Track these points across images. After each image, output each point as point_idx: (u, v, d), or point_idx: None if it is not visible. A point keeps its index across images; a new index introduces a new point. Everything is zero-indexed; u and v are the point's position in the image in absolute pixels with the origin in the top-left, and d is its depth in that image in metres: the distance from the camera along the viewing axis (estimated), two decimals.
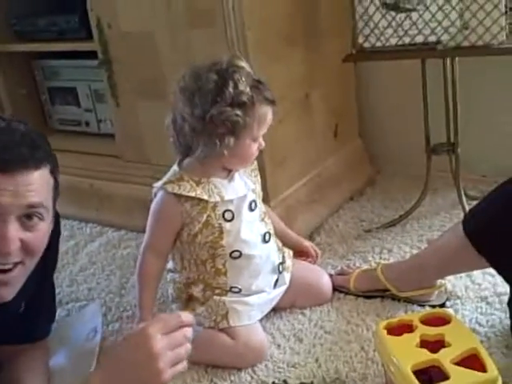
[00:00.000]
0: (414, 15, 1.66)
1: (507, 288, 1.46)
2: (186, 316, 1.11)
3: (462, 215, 1.85)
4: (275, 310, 1.60)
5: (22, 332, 1.39)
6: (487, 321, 1.48)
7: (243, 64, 1.42)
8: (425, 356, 1.16)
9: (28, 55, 2.40)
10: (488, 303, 1.54)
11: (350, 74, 2.25)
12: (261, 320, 1.54)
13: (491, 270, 1.47)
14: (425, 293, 1.56)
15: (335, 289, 1.66)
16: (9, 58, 2.37)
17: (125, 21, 1.91)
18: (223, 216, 1.45)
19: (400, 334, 1.23)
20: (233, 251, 1.47)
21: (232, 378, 1.42)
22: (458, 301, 1.57)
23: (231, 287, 1.50)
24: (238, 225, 1.47)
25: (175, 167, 1.49)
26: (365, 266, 1.74)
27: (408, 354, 1.17)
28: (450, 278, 1.62)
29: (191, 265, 1.50)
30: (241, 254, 1.48)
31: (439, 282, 1.58)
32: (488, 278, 1.62)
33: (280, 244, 1.63)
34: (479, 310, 1.52)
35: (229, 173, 1.49)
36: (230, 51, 1.66)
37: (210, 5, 1.70)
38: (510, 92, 2.05)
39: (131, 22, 1.90)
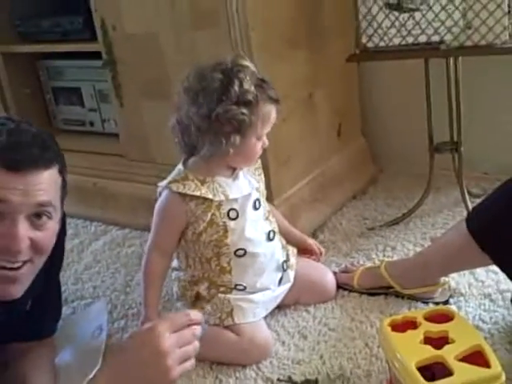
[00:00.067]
0: (417, 15, 1.67)
1: (510, 285, 1.48)
2: (195, 314, 1.12)
3: (464, 213, 1.86)
4: (280, 307, 1.61)
5: (29, 330, 1.40)
6: (490, 317, 1.48)
7: (247, 63, 1.43)
8: (429, 352, 1.17)
9: (32, 56, 2.41)
10: (491, 300, 1.55)
11: (353, 74, 2.26)
12: (265, 317, 1.55)
13: (494, 268, 1.49)
14: (428, 290, 1.57)
15: (339, 286, 1.67)
16: (13, 58, 2.38)
17: (129, 22, 1.92)
18: (228, 215, 1.46)
19: (404, 331, 1.23)
20: (237, 249, 1.48)
21: (237, 374, 1.43)
22: (462, 298, 1.58)
23: (236, 285, 1.50)
24: (242, 223, 1.47)
25: (180, 166, 1.50)
26: (368, 264, 1.75)
27: (412, 350, 1.17)
28: (454, 275, 1.63)
29: (196, 263, 1.51)
30: (245, 252, 1.49)
31: (443, 279, 1.59)
32: (491, 276, 1.63)
33: (284, 242, 1.64)
34: (482, 306, 1.53)
35: (233, 171, 1.50)
36: (234, 52, 1.67)
37: (213, 6, 1.71)
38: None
39: (135, 23, 1.91)
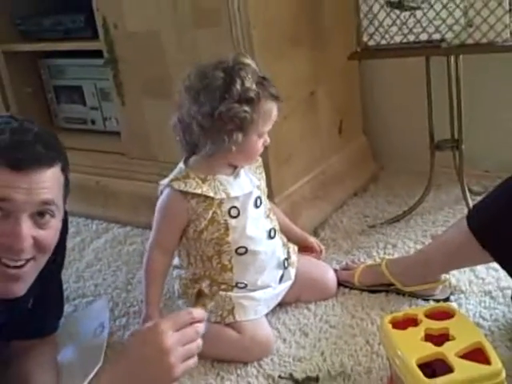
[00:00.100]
0: (419, 13, 1.67)
1: (510, 282, 1.48)
2: (198, 312, 1.12)
3: (465, 210, 1.86)
4: (281, 304, 1.61)
5: (31, 327, 1.41)
6: (491, 315, 1.49)
7: (249, 61, 1.44)
8: (429, 349, 1.17)
9: (34, 54, 2.42)
10: (492, 297, 1.55)
11: (354, 72, 2.26)
12: (266, 315, 1.55)
13: (495, 265, 1.49)
14: (429, 287, 1.57)
15: (340, 284, 1.68)
16: (15, 57, 2.39)
17: (131, 20, 1.92)
18: (229, 213, 1.46)
19: (405, 328, 1.24)
20: (238, 247, 1.49)
21: (238, 371, 1.43)
22: (462, 295, 1.58)
23: (237, 283, 1.51)
24: (243, 221, 1.48)
25: (181, 165, 1.51)
26: (369, 261, 1.76)
27: (413, 347, 1.18)
28: (454, 272, 1.64)
29: (197, 261, 1.52)
30: (246, 250, 1.49)
31: (443, 276, 1.59)
32: (492, 273, 1.63)
33: (285, 240, 1.64)
34: (483, 304, 1.54)
35: (234, 170, 1.51)
36: (236, 50, 1.68)
37: (215, 4, 1.71)
38: None
39: (137, 21, 1.92)
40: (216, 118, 1.38)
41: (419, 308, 1.45)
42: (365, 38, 1.75)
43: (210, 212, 1.45)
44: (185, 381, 1.40)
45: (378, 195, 2.21)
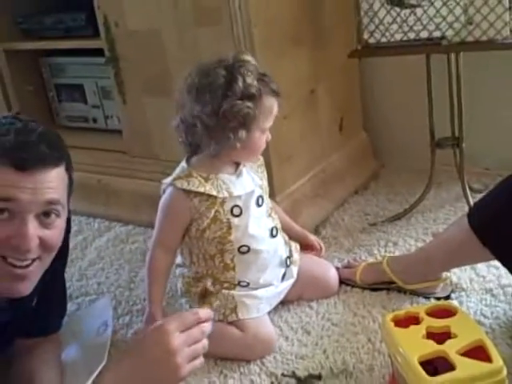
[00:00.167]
0: (419, 11, 1.68)
1: (511, 280, 1.48)
2: (204, 312, 1.13)
3: (466, 208, 1.87)
4: (283, 302, 1.62)
5: (35, 326, 1.41)
6: (492, 312, 1.50)
7: (249, 58, 1.45)
8: (431, 347, 1.18)
9: (35, 52, 2.42)
10: (493, 295, 1.56)
11: (354, 70, 2.26)
12: (269, 313, 1.56)
13: (496, 263, 1.50)
14: (430, 285, 1.58)
15: (342, 282, 1.68)
16: (16, 55, 2.39)
17: (132, 19, 1.93)
18: (231, 211, 1.47)
19: (407, 326, 1.24)
20: (241, 246, 1.49)
21: (241, 369, 1.44)
22: (463, 293, 1.59)
23: (239, 281, 1.51)
24: (245, 220, 1.48)
25: (183, 164, 1.51)
26: (370, 259, 1.76)
27: (415, 345, 1.18)
28: (455, 270, 1.64)
29: (200, 260, 1.52)
30: (249, 248, 1.50)
31: (444, 274, 1.60)
32: (492, 271, 1.64)
33: (287, 238, 1.65)
34: (484, 301, 1.54)
35: (236, 168, 1.51)
36: (237, 49, 1.68)
37: (216, 3, 1.71)
38: None
39: (138, 19, 1.92)
40: (220, 116, 1.38)
41: (421, 306, 1.44)
42: (365, 36, 1.75)
43: (213, 211, 1.46)
44: (188, 379, 1.40)
45: (379, 193, 2.21)
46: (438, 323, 1.24)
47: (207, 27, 1.77)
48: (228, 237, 1.48)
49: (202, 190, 1.44)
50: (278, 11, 1.79)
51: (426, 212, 2.01)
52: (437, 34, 1.69)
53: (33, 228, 1.14)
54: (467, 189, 1.93)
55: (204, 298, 1.52)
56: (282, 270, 1.58)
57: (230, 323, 1.47)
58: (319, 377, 1.37)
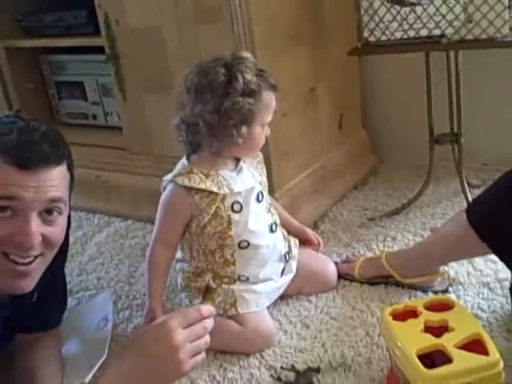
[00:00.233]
0: (419, 9, 1.68)
1: (508, 274, 1.49)
2: (206, 309, 1.14)
3: (464, 203, 1.88)
4: (282, 297, 1.63)
5: (35, 321, 1.42)
6: (489, 306, 1.51)
7: (246, 54, 1.46)
8: (429, 341, 1.19)
9: (35, 50, 2.42)
10: (490, 289, 1.57)
11: (354, 68, 2.27)
12: (268, 307, 1.57)
13: (493, 257, 1.51)
14: (428, 279, 1.59)
15: (340, 276, 1.69)
16: (16, 53, 2.39)
17: (132, 16, 1.93)
18: (232, 207, 1.48)
19: (405, 320, 1.25)
20: (241, 241, 1.50)
21: (241, 363, 1.45)
22: (461, 287, 1.60)
23: (239, 276, 1.52)
24: (245, 216, 1.49)
25: (184, 161, 1.52)
26: (369, 254, 1.78)
27: (413, 338, 1.20)
28: (453, 264, 1.66)
29: (200, 255, 1.53)
30: (249, 244, 1.51)
31: (442, 268, 1.61)
32: (490, 265, 1.65)
33: (286, 233, 1.66)
34: (481, 295, 1.56)
35: (237, 165, 1.52)
36: (237, 46, 1.69)
37: (216, 1, 1.72)
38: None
39: (139, 17, 1.93)
40: (222, 113, 1.39)
41: (419, 300, 1.46)
42: (365, 34, 1.75)
43: (214, 207, 1.46)
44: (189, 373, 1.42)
45: (378, 188, 2.22)
46: (436, 317, 1.25)
47: (208, 25, 1.78)
48: (228, 232, 1.49)
49: (202, 186, 1.45)
50: (279, 9, 1.80)
51: (424, 207, 2.02)
52: (436, 32, 1.69)
53: (36, 225, 1.14)
54: (465, 184, 1.93)
55: (205, 293, 1.53)
56: (282, 265, 1.59)
57: (230, 317, 1.48)
58: (318, 370, 1.38)
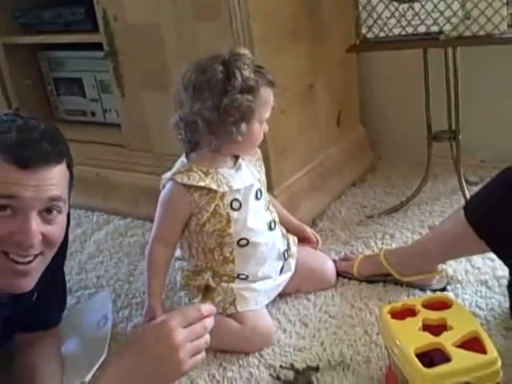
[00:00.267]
0: (417, 6, 1.68)
1: (506, 272, 1.50)
2: (206, 308, 1.14)
3: (462, 201, 1.89)
4: (281, 295, 1.63)
5: (35, 320, 1.42)
6: (487, 304, 1.51)
7: (244, 51, 1.46)
8: (427, 339, 1.19)
9: (33, 46, 2.41)
10: (488, 287, 1.58)
11: (352, 64, 2.27)
12: (267, 305, 1.57)
13: (491, 254, 1.51)
14: (426, 277, 1.59)
15: (339, 274, 1.70)
16: (14, 49, 2.38)
17: (131, 13, 1.93)
18: (231, 205, 1.48)
19: (403, 318, 1.26)
20: (240, 239, 1.50)
21: (240, 362, 1.45)
22: (459, 285, 1.60)
23: (238, 274, 1.53)
24: (245, 213, 1.50)
25: (183, 159, 1.52)
26: (367, 252, 1.78)
27: (411, 337, 1.20)
28: (451, 262, 1.66)
29: (199, 253, 1.53)
30: (248, 241, 1.51)
31: (440, 266, 1.61)
32: (488, 263, 1.66)
33: (284, 231, 1.66)
34: (479, 293, 1.56)
35: (235, 162, 1.52)
36: (235, 43, 1.69)
37: None
38: (510, 79, 2.08)
39: (137, 13, 1.92)
40: (221, 111, 1.39)
41: (417, 298, 1.46)
42: (363, 31, 1.75)
43: (213, 205, 1.46)
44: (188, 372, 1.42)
45: (376, 185, 2.23)
46: (434, 315, 1.26)
47: (206, 21, 1.77)
48: (227, 230, 1.49)
49: (202, 184, 1.45)
50: (277, 6, 1.80)
51: (422, 204, 2.03)
52: (434, 28, 1.69)
53: (35, 224, 1.14)
54: (463, 181, 1.94)
55: (205, 292, 1.53)
56: (280, 263, 1.59)
57: (229, 316, 1.49)
58: (317, 369, 1.39)
